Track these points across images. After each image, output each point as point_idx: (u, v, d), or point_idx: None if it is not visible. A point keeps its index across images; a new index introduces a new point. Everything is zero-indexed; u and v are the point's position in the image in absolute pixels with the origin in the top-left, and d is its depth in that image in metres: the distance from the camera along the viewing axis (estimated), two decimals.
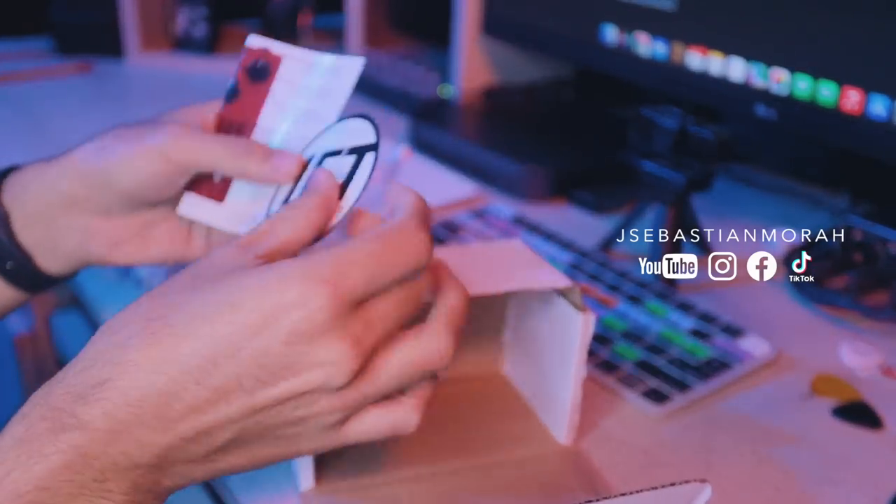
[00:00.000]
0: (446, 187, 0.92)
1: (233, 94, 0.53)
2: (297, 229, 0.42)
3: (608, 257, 0.78)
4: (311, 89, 0.51)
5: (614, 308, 0.69)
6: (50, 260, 0.54)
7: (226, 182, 0.53)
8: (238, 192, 0.53)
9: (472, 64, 1.14)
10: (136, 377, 0.36)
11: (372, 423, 0.41)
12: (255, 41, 0.53)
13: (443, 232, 0.81)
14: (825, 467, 0.55)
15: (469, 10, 1.10)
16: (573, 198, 0.92)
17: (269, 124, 0.52)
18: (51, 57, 1.35)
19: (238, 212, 0.53)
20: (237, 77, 0.53)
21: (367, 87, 1.24)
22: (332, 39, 1.52)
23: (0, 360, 1.16)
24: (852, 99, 0.73)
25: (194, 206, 0.53)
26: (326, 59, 0.52)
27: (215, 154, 0.50)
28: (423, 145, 1.02)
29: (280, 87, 0.53)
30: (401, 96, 1.17)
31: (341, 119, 0.49)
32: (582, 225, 0.87)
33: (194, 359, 0.37)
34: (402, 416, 0.42)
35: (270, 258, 0.40)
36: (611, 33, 0.93)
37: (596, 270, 0.74)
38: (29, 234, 0.53)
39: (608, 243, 0.81)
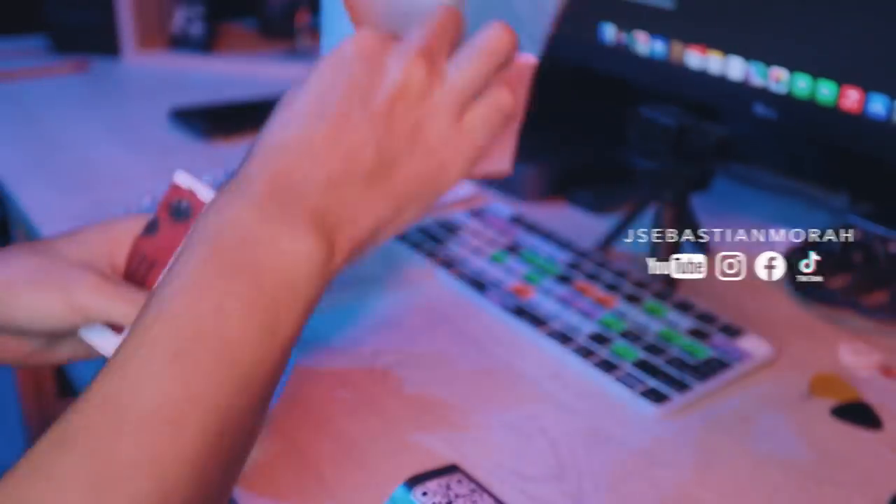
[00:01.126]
0: None
1: (152, 228, 0.52)
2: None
3: (607, 257, 0.78)
4: None
5: (613, 308, 0.69)
6: None
7: None
8: None
9: None
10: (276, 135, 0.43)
11: (482, 109, 0.45)
12: (183, 179, 0.52)
13: (441, 232, 0.81)
14: (824, 468, 0.55)
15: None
16: (571, 197, 0.91)
17: None
18: (47, 56, 1.35)
19: None
20: (158, 212, 0.52)
21: None
22: None
23: None
24: (851, 98, 0.72)
25: (95, 333, 0.52)
26: None
27: (125, 313, 0.49)
28: None
29: None
30: None
31: None
32: (580, 224, 0.86)
33: (306, 106, 0.43)
34: (498, 94, 0.45)
35: None
36: (609, 32, 0.93)
37: (594, 270, 0.74)
38: None
39: (607, 243, 0.80)
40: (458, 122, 0.45)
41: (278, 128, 0.43)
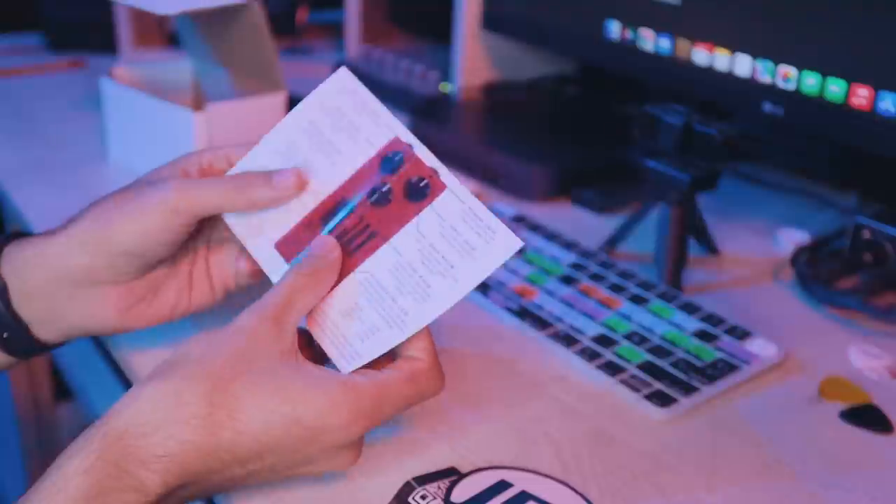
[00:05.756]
0: None
1: (382, 200, 0.51)
2: (315, 296, 0.49)
3: (612, 258, 0.77)
4: (458, 240, 0.48)
5: (618, 309, 0.68)
6: (48, 331, 0.54)
7: None
8: None
9: (473, 60, 1.12)
10: (195, 460, 0.43)
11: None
12: (429, 158, 0.51)
13: None
14: (833, 472, 0.54)
15: (469, 6, 1.09)
16: (576, 197, 0.90)
17: (401, 247, 0.50)
18: (43, 53, 1.34)
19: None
20: (393, 185, 0.50)
21: (367, 84, 1.22)
22: (330, 35, 1.51)
23: None
24: (861, 95, 0.71)
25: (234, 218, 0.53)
26: (488, 219, 0.48)
27: (220, 194, 0.51)
28: (423, 143, 1.01)
29: (430, 218, 0.49)
30: (401, 93, 1.16)
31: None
32: (585, 225, 0.85)
33: (248, 453, 0.44)
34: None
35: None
36: (615, 29, 0.92)
37: (599, 271, 0.73)
38: (28, 308, 0.53)
39: (612, 243, 0.79)
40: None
41: (215, 444, 0.44)
